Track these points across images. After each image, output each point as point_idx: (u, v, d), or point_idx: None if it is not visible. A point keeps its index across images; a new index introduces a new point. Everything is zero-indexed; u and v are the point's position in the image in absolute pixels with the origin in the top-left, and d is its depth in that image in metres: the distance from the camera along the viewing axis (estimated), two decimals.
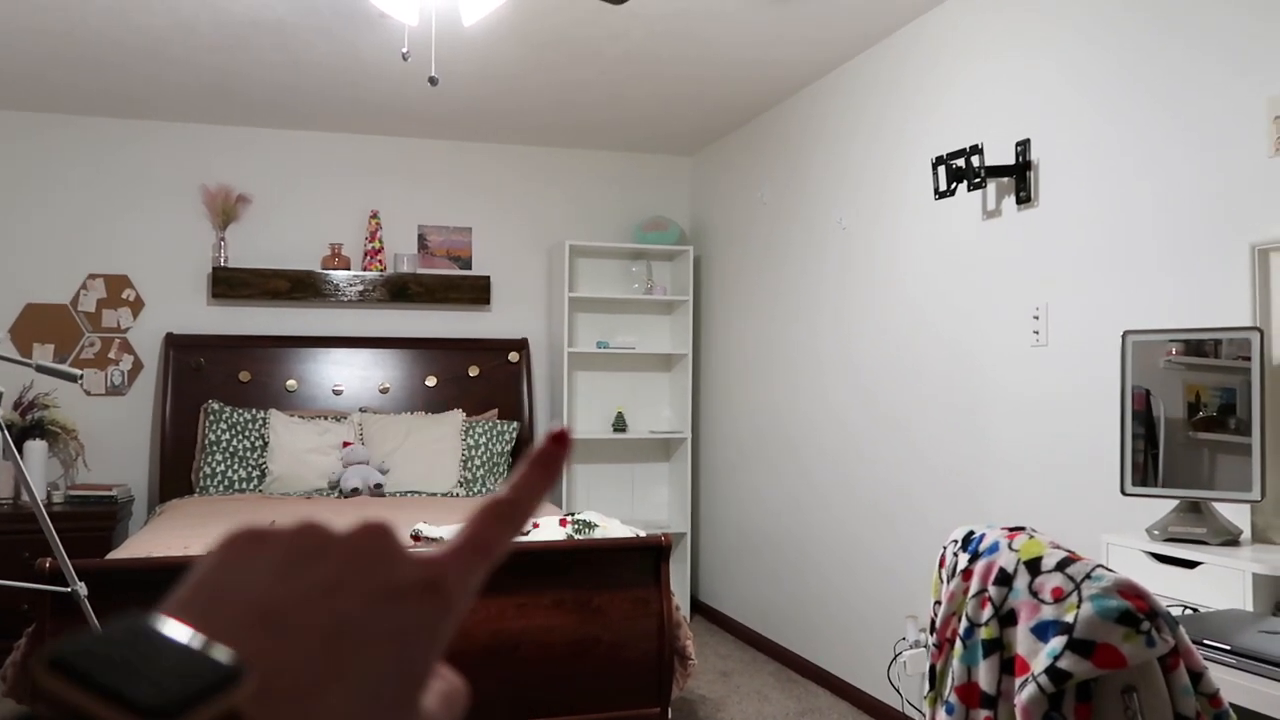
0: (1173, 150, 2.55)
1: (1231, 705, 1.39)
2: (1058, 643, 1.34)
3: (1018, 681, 1.40)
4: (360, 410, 4.96)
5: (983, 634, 1.49)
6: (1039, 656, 1.36)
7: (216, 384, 4.83)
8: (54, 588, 2.62)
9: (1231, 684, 1.52)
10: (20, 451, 4.07)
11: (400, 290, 5.08)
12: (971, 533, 1.62)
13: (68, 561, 2.54)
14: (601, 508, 5.30)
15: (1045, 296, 2.96)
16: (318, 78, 4.27)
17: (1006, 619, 1.47)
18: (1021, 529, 1.56)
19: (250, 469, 4.60)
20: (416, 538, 3.33)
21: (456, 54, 3.93)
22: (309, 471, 4.54)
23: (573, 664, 3.17)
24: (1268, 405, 2.14)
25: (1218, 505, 2.23)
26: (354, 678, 0.30)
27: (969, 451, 3.28)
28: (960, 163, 3.12)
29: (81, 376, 2.73)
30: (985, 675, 1.48)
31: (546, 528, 3.44)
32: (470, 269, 5.31)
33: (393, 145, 5.25)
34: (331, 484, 4.54)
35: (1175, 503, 2.26)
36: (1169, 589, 2.08)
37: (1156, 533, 2.22)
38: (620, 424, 5.37)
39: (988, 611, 1.49)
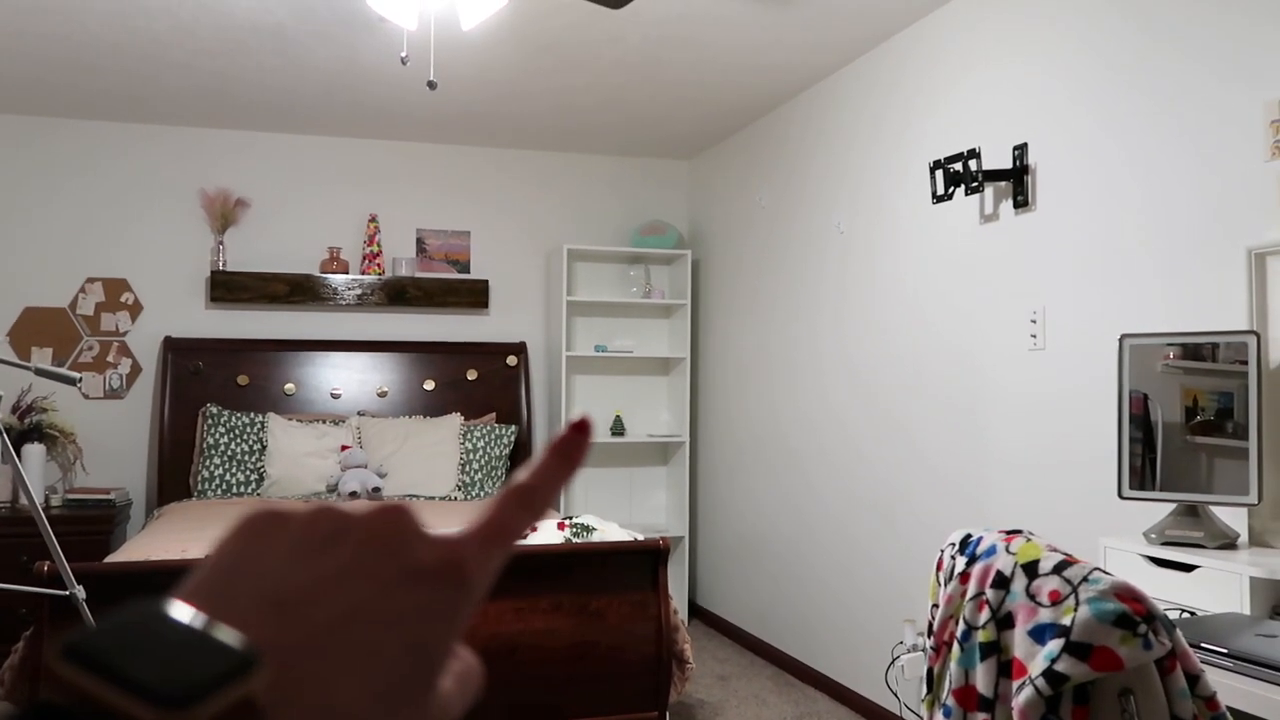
0: (1169, 154, 2.56)
1: (1228, 708, 1.39)
2: (1055, 645, 1.34)
3: (1015, 684, 1.41)
4: (358, 414, 4.96)
5: (980, 637, 1.49)
6: (1036, 659, 1.37)
7: (215, 388, 4.83)
8: (52, 591, 2.62)
9: (1228, 687, 1.52)
10: (19, 455, 4.07)
11: (398, 294, 5.08)
12: (969, 536, 1.63)
13: (66, 565, 2.54)
14: (600, 511, 5.30)
15: (1043, 300, 2.97)
16: (317, 82, 4.27)
17: (1004, 622, 1.47)
18: (1019, 532, 1.56)
19: (248, 472, 4.60)
20: None
21: (455, 58, 3.93)
22: (307, 475, 4.54)
23: (571, 667, 3.17)
24: (1265, 409, 2.15)
25: (1215, 509, 2.23)
26: (371, 661, 0.29)
27: (968, 454, 3.28)
28: (958, 167, 3.13)
29: (81, 380, 2.73)
30: (983, 678, 1.48)
31: (545, 531, 3.44)
32: (468, 273, 5.32)
33: (391, 149, 5.25)
34: (330, 487, 4.54)
35: (1172, 506, 2.26)
36: (1166, 592, 2.08)
37: (1154, 536, 2.23)
38: (618, 428, 5.37)
39: (985, 614, 1.49)
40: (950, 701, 1.53)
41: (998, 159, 3.13)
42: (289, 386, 4.95)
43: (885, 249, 3.75)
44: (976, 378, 3.25)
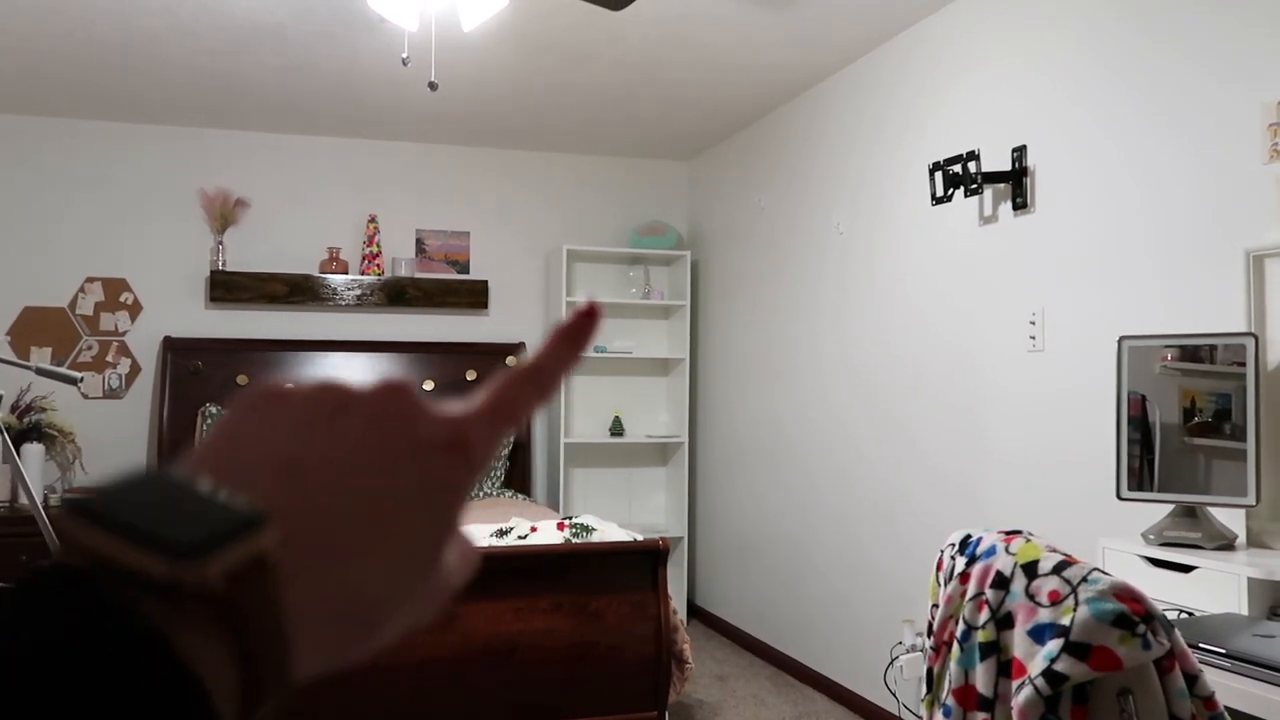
0: (1168, 156, 2.56)
1: (1226, 708, 1.40)
2: (1054, 645, 1.35)
3: (1014, 684, 1.41)
4: None
5: (980, 637, 1.50)
6: (1036, 659, 1.37)
7: (214, 387, 4.83)
8: None
9: (1226, 687, 1.53)
10: (18, 454, 4.07)
11: (398, 294, 5.08)
12: (969, 536, 1.63)
13: None
14: (599, 512, 5.30)
15: (1042, 301, 2.97)
16: (317, 82, 4.28)
17: (1003, 622, 1.48)
18: (1018, 532, 1.57)
19: None
20: None
21: (456, 59, 3.94)
22: None
23: (570, 667, 3.17)
24: (1262, 411, 2.16)
25: (1213, 510, 2.24)
26: (379, 530, 0.29)
27: (967, 455, 3.29)
28: (957, 169, 3.13)
29: (82, 379, 2.73)
30: (982, 678, 1.49)
31: (544, 531, 3.45)
32: (468, 273, 5.32)
33: (391, 150, 5.26)
34: None
35: (1171, 507, 2.27)
36: (1165, 593, 2.09)
37: (1152, 537, 2.24)
38: (618, 428, 5.38)
39: (985, 614, 1.50)
40: (950, 701, 1.54)
41: (997, 161, 3.13)
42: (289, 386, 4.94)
43: (885, 250, 3.76)
44: (976, 378, 3.26)
